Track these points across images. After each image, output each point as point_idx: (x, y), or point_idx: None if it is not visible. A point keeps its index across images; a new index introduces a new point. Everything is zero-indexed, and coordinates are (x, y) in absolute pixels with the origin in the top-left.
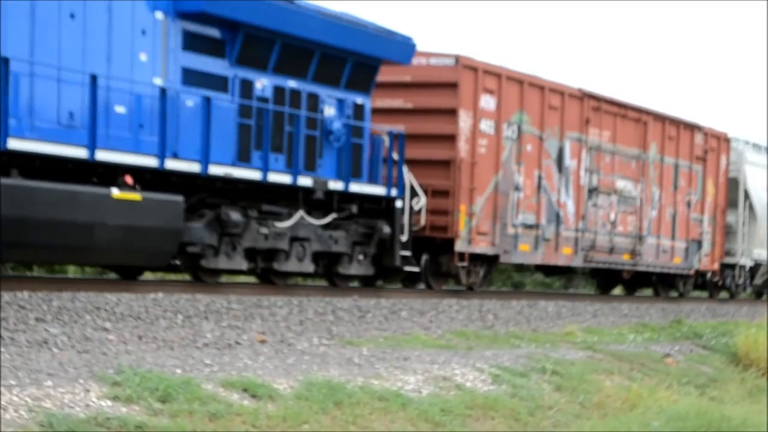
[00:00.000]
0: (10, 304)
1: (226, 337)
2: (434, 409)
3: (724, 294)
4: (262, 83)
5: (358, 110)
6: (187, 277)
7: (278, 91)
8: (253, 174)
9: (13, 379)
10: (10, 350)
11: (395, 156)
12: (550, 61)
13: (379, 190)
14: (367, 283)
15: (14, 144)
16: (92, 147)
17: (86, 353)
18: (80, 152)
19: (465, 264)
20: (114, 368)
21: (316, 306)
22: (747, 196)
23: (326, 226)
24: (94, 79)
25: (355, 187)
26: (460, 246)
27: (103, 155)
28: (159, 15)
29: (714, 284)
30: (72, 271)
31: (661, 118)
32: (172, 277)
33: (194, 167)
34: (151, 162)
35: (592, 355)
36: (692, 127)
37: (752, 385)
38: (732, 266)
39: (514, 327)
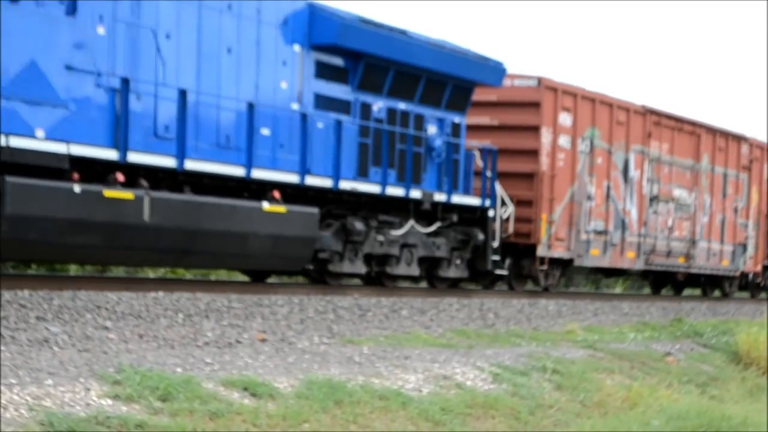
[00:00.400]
0: (11, 303)
1: (227, 335)
2: (434, 408)
3: (764, 294)
4: (378, 106)
5: (456, 128)
6: (187, 275)
7: (391, 112)
8: (373, 188)
9: (13, 378)
10: (11, 349)
11: (488, 170)
12: (561, 61)
13: (475, 201)
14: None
15: (190, 164)
16: (249, 166)
17: (87, 352)
18: (239, 171)
19: (545, 267)
20: (114, 367)
21: (316, 305)
22: None
23: (429, 233)
24: (251, 106)
25: (456, 199)
26: (541, 251)
27: (257, 173)
28: (297, 48)
29: (756, 285)
30: (73, 269)
31: (712, 131)
32: (170, 275)
33: (327, 182)
34: (293, 178)
35: (593, 354)
36: (739, 139)
37: (753, 384)
38: None
39: (514, 326)
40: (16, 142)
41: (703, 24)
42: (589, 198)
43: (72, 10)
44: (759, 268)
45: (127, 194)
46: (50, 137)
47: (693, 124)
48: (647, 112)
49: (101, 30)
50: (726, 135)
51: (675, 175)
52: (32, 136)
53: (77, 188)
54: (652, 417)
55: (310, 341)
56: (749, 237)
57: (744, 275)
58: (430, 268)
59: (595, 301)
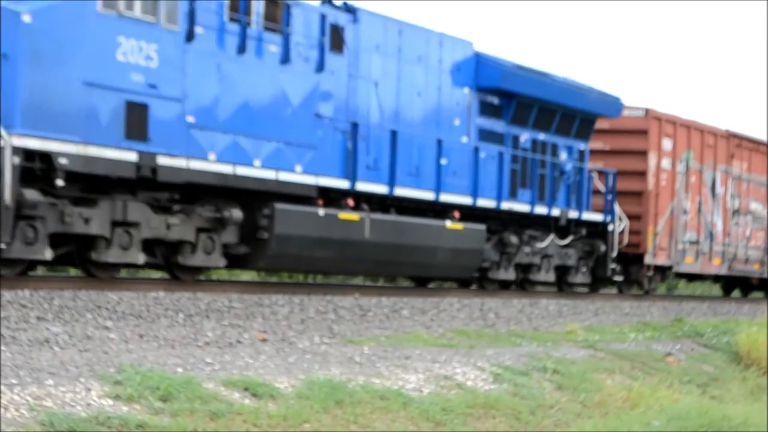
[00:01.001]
0: (12, 303)
1: (228, 335)
2: (435, 408)
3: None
4: (524, 137)
5: (581, 154)
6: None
7: (534, 142)
8: (525, 207)
9: (14, 378)
10: (12, 349)
11: (608, 190)
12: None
13: (598, 217)
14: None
15: (398, 191)
16: (437, 191)
17: (87, 352)
18: (430, 195)
19: (650, 273)
20: (115, 367)
21: (317, 305)
22: None
23: (562, 245)
24: (439, 142)
25: (585, 215)
26: (648, 259)
27: (443, 197)
28: (466, 90)
29: None
30: (73, 270)
31: None
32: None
33: (491, 203)
34: (467, 201)
35: (594, 354)
36: None
37: (753, 384)
38: None
39: (515, 326)
40: (284, 176)
41: (701, 25)
42: (685, 212)
43: (321, 67)
44: None
45: (355, 216)
46: (305, 171)
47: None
48: (730, 136)
49: (338, 83)
50: None
51: (752, 191)
52: (293, 171)
53: (321, 212)
54: (652, 417)
55: (310, 341)
56: None
57: None
58: (560, 275)
59: (595, 301)
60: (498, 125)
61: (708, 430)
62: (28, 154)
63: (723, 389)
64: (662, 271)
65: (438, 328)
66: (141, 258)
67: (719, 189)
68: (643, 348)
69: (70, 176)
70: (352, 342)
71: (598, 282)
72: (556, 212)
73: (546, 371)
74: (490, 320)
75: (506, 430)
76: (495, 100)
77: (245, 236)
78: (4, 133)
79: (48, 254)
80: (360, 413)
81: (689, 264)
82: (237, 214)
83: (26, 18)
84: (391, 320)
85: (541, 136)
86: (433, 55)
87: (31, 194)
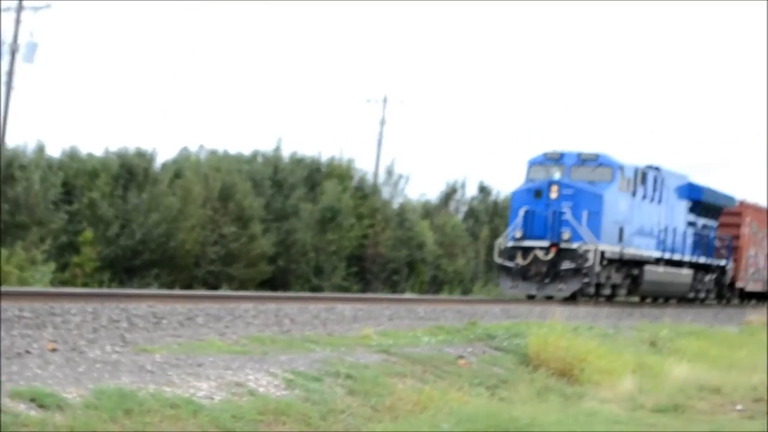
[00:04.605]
0: None
1: (17, 345)
2: (226, 415)
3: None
4: (700, 222)
5: (714, 228)
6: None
7: (702, 225)
8: (702, 259)
9: None
10: None
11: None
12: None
13: (723, 262)
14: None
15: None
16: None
17: None
18: (678, 256)
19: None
20: None
21: (110, 313)
22: None
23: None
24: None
25: (716, 262)
26: (738, 284)
27: (676, 256)
28: (684, 202)
29: None
30: None
31: None
32: None
33: (699, 259)
34: (686, 257)
35: (387, 358)
36: None
37: (541, 385)
38: None
39: (310, 331)
40: (655, 254)
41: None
42: (749, 258)
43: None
44: None
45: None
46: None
47: None
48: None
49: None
50: None
51: None
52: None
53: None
54: (442, 420)
55: (102, 350)
56: None
57: None
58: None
59: (390, 306)
60: (692, 217)
61: (495, 431)
62: None
63: (512, 391)
64: (741, 290)
65: (232, 335)
66: None
67: (765, 242)
68: (435, 351)
69: None
70: (144, 350)
71: (721, 298)
72: (709, 260)
73: (339, 376)
74: (286, 326)
75: None
76: (691, 205)
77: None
78: None
79: None
80: (149, 422)
81: (754, 286)
82: None
83: None
84: (185, 327)
85: (702, 221)
86: (673, 183)
87: None
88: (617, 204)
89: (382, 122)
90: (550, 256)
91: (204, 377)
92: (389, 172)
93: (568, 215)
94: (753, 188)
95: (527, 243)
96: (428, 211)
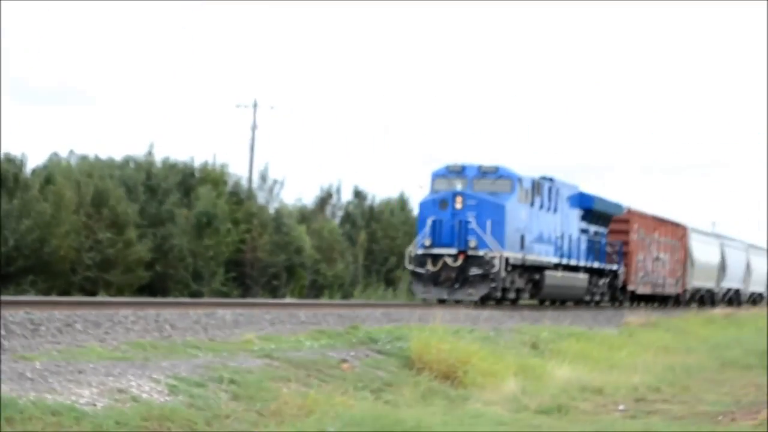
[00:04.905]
0: None
1: None
2: (109, 421)
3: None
4: (592, 229)
5: (605, 234)
6: None
7: (593, 231)
8: (595, 264)
9: None
10: None
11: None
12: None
13: (615, 267)
14: None
15: (565, 261)
16: (578, 259)
17: None
18: (574, 261)
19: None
20: None
21: None
22: (691, 255)
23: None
24: (571, 236)
25: (609, 266)
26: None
27: (572, 261)
28: (576, 210)
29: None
30: None
31: (670, 222)
32: None
33: (587, 264)
34: (581, 263)
35: (270, 363)
36: (679, 225)
37: (425, 388)
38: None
39: (191, 337)
40: (553, 259)
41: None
42: (639, 262)
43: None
44: (681, 289)
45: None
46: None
47: (673, 222)
48: (654, 218)
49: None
50: (674, 223)
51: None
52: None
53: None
54: (328, 424)
55: None
56: (681, 274)
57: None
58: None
59: (271, 311)
60: (584, 224)
61: None
62: None
63: (396, 394)
64: (633, 293)
65: (113, 341)
66: None
67: (651, 247)
68: (318, 356)
69: None
70: (24, 358)
71: (614, 301)
72: (602, 265)
73: (222, 381)
74: (166, 332)
75: None
76: (583, 213)
77: None
78: None
79: None
80: (31, 430)
81: (642, 288)
82: None
83: None
84: (64, 334)
85: (594, 228)
86: (565, 193)
87: None
88: (518, 213)
89: (254, 127)
90: (459, 262)
91: (86, 384)
92: (263, 177)
93: (473, 224)
94: (635, 192)
95: (436, 250)
96: (305, 216)
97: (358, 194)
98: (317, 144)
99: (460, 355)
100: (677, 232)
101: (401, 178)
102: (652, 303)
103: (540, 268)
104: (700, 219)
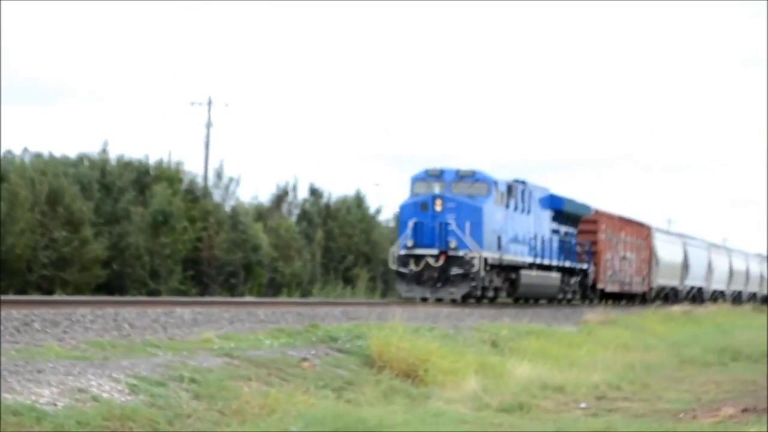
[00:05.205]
0: None
1: None
2: (70, 421)
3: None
4: (563, 229)
5: (575, 235)
6: None
7: (564, 232)
8: (567, 263)
9: None
10: None
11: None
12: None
13: (585, 266)
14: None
15: (539, 261)
16: (550, 258)
17: None
18: (547, 261)
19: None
20: None
21: None
22: (656, 254)
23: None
24: (544, 237)
25: (580, 266)
26: (599, 285)
27: (545, 261)
28: (547, 211)
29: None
30: None
31: (635, 222)
32: None
33: (557, 263)
34: (555, 263)
35: (230, 362)
36: (644, 225)
37: (386, 387)
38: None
39: (150, 335)
40: (528, 259)
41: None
42: (608, 260)
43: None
44: (647, 287)
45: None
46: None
47: (639, 222)
48: (621, 218)
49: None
50: (640, 224)
51: (629, 246)
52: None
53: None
54: (290, 423)
55: None
56: (647, 272)
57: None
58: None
59: (230, 309)
60: (555, 225)
61: None
62: None
63: (358, 392)
64: (602, 291)
65: (71, 340)
66: None
67: (618, 247)
68: (279, 354)
69: None
70: None
71: (584, 298)
72: (573, 265)
73: (183, 380)
74: (125, 331)
75: None
76: (554, 214)
77: None
78: None
79: None
80: None
81: (610, 286)
82: None
83: None
84: (22, 333)
85: (564, 228)
86: (537, 195)
87: None
88: (494, 215)
89: (208, 125)
90: (440, 262)
91: (45, 383)
92: (219, 175)
93: (453, 226)
94: (604, 190)
95: (418, 251)
96: (261, 214)
97: (314, 192)
98: (273, 141)
99: (421, 354)
100: (642, 231)
101: (357, 176)
102: (620, 301)
103: (516, 268)
104: (658, 217)
